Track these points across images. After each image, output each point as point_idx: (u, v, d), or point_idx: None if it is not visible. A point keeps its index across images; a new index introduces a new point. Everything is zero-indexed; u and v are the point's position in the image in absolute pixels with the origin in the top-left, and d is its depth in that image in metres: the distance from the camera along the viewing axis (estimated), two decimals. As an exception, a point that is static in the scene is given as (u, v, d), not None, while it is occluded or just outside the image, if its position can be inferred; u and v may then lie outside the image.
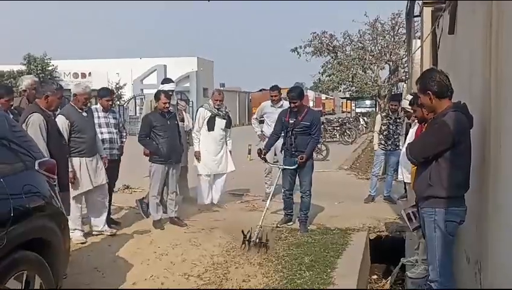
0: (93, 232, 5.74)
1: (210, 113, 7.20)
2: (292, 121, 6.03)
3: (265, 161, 6.46)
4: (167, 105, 6.23)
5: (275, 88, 7.93)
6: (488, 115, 3.18)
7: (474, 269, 3.54)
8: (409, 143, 3.47)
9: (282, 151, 6.45)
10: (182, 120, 7.28)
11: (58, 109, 5.17)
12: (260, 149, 6.29)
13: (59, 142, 4.54)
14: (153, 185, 6.22)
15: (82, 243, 5.45)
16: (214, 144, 7.25)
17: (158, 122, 6.17)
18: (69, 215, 4.77)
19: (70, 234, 5.23)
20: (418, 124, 4.55)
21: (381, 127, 7.84)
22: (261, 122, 8.28)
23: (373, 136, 8.34)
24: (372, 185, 8.09)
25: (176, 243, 5.54)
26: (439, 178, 3.08)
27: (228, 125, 7.41)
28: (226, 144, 7.42)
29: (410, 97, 5.00)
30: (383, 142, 7.85)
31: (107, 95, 6.14)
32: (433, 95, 3.18)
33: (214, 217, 6.86)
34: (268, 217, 6.18)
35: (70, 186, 5.09)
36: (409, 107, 4.72)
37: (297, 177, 6.26)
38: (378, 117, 8.13)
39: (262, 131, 8.04)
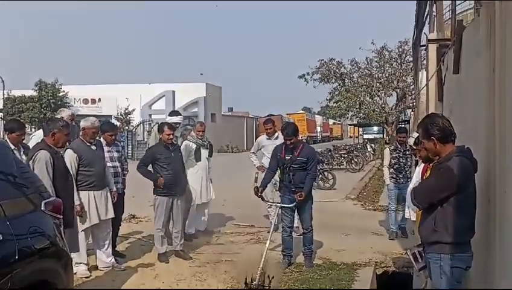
0: (99, 267, 5.71)
1: (195, 145, 7.46)
2: (289, 157, 5.94)
3: (263, 199, 6.25)
4: (171, 137, 6.29)
5: (268, 121, 8.05)
6: (493, 155, 3.18)
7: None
8: (413, 187, 3.45)
9: (280, 189, 6.30)
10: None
11: (67, 144, 5.25)
12: (257, 187, 6.14)
13: (65, 179, 4.57)
14: (157, 217, 6.23)
15: (86, 277, 5.44)
16: (200, 174, 7.48)
17: (162, 154, 6.22)
18: (77, 251, 4.81)
19: (75, 268, 5.28)
20: (422, 165, 4.54)
21: (390, 161, 7.71)
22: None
23: (383, 169, 8.18)
24: (392, 220, 7.79)
25: (180, 278, 5.51)
26: (444, 223, 3.06)
27: (210, 153, 7.71)
28: (208, 172, 7.66)
29: (416, 135, 5.01)
30: (394, 175, 7.72)
31: (110, 130, 6.18)
32: (437, 141, 3.18)
33: (219, 250, 6.83)
34: (271, 254, 6.06)
35: (78, 220, 5.13)
36: (414, 146, 4.73)
37: (296, 213, 6.15)
38: (387, 151, 8.01)
39: (261, 163, 8.06)
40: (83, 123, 5.60)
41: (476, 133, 3.62)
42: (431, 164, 3.78)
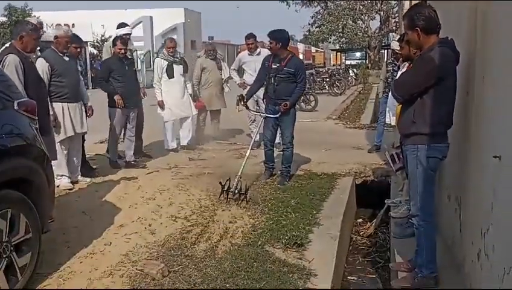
0: (76, 180, 5.71)
1: (167, 62, 7.47)
2: (275, 67, 5.74)
3: (247, 107, 6.21)
4: (122, 50, 6.38)
5: (250, 36, 7.82)
6: (473, 48, 3.15)
7: (454, 205, 3.63)
8: (394, 80, 3.41)
9: (264, 100, 6.23)
10: (220, 68, 8.13)
11: (38, 52, 5.04)
12: (242, 95, 6.03)
13: (38, 85, 4.41)
14: (112, 129, 6.43)
15: (70, 190, 5.46)
16: (176, 90, 7.55)
17: (116, 67, 6.35)
18: (55, 159, 4.75)
19: (57, 180, 5.27)
20: (406, 66, 4.50)
21: (386, 75, 7.70)
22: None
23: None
24: (379, 134, 7.75)
25: (163, 189, 5.57)
26: (422, 115, 3.07)
27: (185, 70, 7.70)
28: (186, 87, 7.70)
29: (398, 37, 4.93)
30: (386, 90, 7.71)
31: (77, 42, 5.82)
32: (421, 31, 3.09)
33: (202, 164, 6.89)
34: (252, 167, 6.25)
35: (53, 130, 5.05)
36: (398, 48, 4.65)
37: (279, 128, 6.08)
38: (384, 65, 7.99)
39: (243, 80, 7.97)
40: (55, 31, 5.36)
41: (458, 27, 3.56)
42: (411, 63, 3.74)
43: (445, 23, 3.33)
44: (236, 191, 5.10)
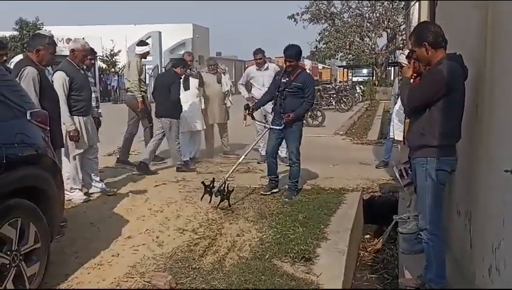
0: (91, 192, 5.72)
1: (184, 75, 7.61)
2: (284, 81, 5.80)
3: (253, 118, 6.28)
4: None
5: (258, 51, 7.90)
6: (483, 60, 3.16)
7: (464, 220, 3.60)
8: (407, 93, 3.41)
9: (272, 114, 6.24)
10: (219, 82, 8.29)
11: (52, 67, 5.09)
12: (247, 104, 6.08)
13: (52, 99, 4.45)
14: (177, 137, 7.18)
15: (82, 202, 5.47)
16: (192, 102, 7.77)
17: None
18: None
19: (71, 194, 5.31)
20: (413, 81, 4.50)
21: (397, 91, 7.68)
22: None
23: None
24: (387, 150, 7.67)
25: (171, 201, 5.57)
26: (431, 127, 3.10)
27: (201, 84, 7.97)
28: (200, 101, 8.00)
29: (407, 52, 4.94)
30: None
31: (90, 54, 5.93)
32: (429, 46, 3.15)
33: (209, 178, 6.87)
34: (260, 180, 6.34)
35: (74, 146, 5.22)
36: (406, 62, 4.66)
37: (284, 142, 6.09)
38: (396, 80, 7.99)
39: (251, 94, 8.03)
40: (72, 44, 5.39)
41: (466, 38, 3.57)
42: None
43: (452, 35, 3.36)
44: (218, 193, 5.16)
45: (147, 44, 8.09)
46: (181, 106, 7.17)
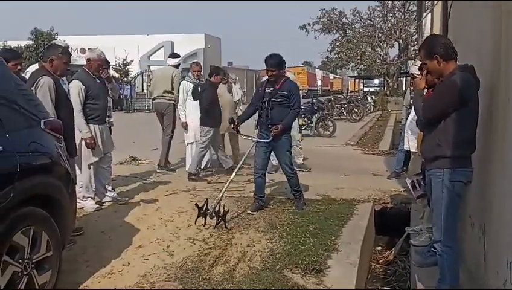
0: (104, 201, 5.76)
1: (193, 85, 7.64)
2: (269, 91, 5.56)
3: (238, 132, 5.86)
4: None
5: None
6: (497, 69, 3.13)
7: (478, 233, 3.55)
8: (423, 103, 3.39)
9: (258, 126, 5.87)
10: (230, 91, 8.29)
11: (67, 77, 5.16)
12: (232, 118, 5.85)
13: (67, 108, 4.51)
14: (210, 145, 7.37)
15: (94, 211, 5.50)
16: (196, 111, 7.59)
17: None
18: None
19: (83, 202, 5.34)
20: (427, 91, 4.47)
21: (409, 102, 7.66)
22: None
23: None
24: (399, 161, 7.57)
25: (181, 211, 5.59)
26: (446, 138, 3.08)
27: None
28: None
29: (419, 63, 4.92)
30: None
31: (105, 63, 5.93)
32: (440, 58, 3.15)
33: (220, 187, 6.88)
34: (277, 189, 6.26)
35: (91, 153, 5.27)
36: (418, 73, 4.64)
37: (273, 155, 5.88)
38: (408, 91, 7.94)
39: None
40: (88, 54, 5.48)
41: (481, 47, 3.55)
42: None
43: (466, 45, 3.35)
44: (213, 214, 4.96)
45: (178, 56, 8.56)
46: (215, 114, 7.25)
